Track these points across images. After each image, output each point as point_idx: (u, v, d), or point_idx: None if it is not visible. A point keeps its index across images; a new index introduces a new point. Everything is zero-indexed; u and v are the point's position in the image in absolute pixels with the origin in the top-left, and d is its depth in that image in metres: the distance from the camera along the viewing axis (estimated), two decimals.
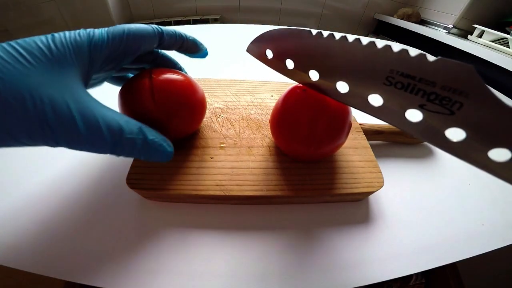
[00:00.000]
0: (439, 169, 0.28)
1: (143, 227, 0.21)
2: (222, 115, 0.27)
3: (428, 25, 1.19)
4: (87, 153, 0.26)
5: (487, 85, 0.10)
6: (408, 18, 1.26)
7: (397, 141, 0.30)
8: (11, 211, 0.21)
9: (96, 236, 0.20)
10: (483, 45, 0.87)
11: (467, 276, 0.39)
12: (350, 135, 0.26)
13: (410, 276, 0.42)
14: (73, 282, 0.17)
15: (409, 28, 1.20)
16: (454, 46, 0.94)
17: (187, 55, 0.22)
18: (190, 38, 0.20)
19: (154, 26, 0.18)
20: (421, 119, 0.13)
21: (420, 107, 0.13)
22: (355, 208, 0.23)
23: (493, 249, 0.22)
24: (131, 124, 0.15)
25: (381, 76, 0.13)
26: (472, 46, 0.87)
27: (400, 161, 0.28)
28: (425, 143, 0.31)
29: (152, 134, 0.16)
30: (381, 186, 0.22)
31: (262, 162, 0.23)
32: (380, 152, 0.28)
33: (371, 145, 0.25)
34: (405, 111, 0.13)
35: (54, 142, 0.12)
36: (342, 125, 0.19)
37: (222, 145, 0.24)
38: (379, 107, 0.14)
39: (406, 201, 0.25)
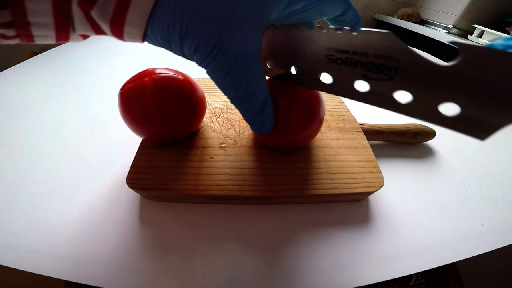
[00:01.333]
0: (439, 169, 0.28)
1: (143, 227, 0.21)
2: (222, 115, 0.27)
3: (428, 25, 1.19)
4: (87, 153, 0.26)
5: (410, 47, 0.12)
6: (408, 18, 1.26)
7: (397, 141, 0.30)
8: (11, 211, 0.21)
9: (96, 236, 0.20)
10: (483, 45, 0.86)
11: (467, 276, 0.39)
12: (350, 135, 0.26)
13: (410, 276, 0.42)
14: (73, 282, 0.17)
15: (409, 28, 1.20)
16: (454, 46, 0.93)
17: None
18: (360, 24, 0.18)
19: None
20: (369, 89, 0.14)
21: (364, 78, 0.14)
22: (355, 208, 0.23)
23: (493, 249, 0.22)
24: (265, 91, 0.16)
25: (323, 55, 0.15)
26: None
27: (400, 161, 0.28)
28: (425, 143, 0.31)
29: (270, 107, 0.17)
30: (381, 186, 0.22)
31: (262, 162, 0.23)
32: (380, 152, 0.28)
33: (371, 145, 0.25)
34: (353, 83, 0.15)
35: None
36: (315, 111, 0.20)
37: (222, 145, 0.24)
38: (331, 84, 0.16)
39: (406, 201, 0.25)
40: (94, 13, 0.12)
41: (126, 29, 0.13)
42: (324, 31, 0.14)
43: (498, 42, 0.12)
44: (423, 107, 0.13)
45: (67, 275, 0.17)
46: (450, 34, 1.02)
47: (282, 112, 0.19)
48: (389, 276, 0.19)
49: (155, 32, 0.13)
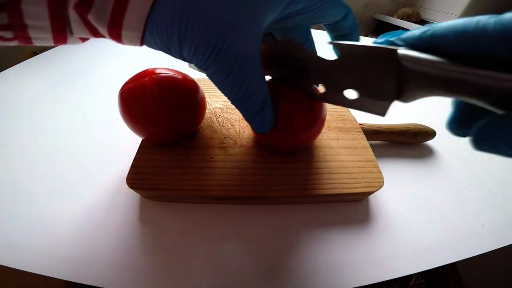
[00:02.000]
0: (439, 169, 0.28)
1: (143, 227, 0.21)
2: (222, 115, 0.27)
3: None
4: (87, 153, 0.26)
5: (305, 50, 0.16)
6: (408, 18, 1.26)
7: (397, 141, 0.30)
8: (11, 211, 0.21)
9: (96, 236, 0.20)
10: None
11: (467, 276, 0.39)
12: (350, 135, 0.26)
13: (410, 276, 0.42)
14: (73, 282, 0.17)
15: (409, 28, 1.19)
16: None
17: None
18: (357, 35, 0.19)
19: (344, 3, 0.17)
20: (300, 83, 0.18)
21: (298, 77, 0.18)
22: (355, 208, 0.23)
23: (493, 249, 0.22)
24: (265, 89, 0.16)
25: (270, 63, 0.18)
26: None
27: (400, 161, 0.28)
28: (425, 143, 0.31)
29: (269, 107, 0.17)
30: (381, 186, 0.22)
31: (262, 162, 0.23)
32: (380, 152, 0.28)
33: (371, 145, 0.25)
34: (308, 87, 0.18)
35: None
36: (317, 113, 0.20)
37: (222, 145, 0.24)
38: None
39: (406, 201, 0.25)
40: (90, 17, 0.12)
41: (124, 33, 0.13)
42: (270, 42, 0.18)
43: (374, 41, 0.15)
44: (334, 95, 0.16)
45: (67, 275, 0.17)
46: None
47: (284, 114, 0.19)
48: (389, 276, 0.19)
49: (154, 36, 0.13)
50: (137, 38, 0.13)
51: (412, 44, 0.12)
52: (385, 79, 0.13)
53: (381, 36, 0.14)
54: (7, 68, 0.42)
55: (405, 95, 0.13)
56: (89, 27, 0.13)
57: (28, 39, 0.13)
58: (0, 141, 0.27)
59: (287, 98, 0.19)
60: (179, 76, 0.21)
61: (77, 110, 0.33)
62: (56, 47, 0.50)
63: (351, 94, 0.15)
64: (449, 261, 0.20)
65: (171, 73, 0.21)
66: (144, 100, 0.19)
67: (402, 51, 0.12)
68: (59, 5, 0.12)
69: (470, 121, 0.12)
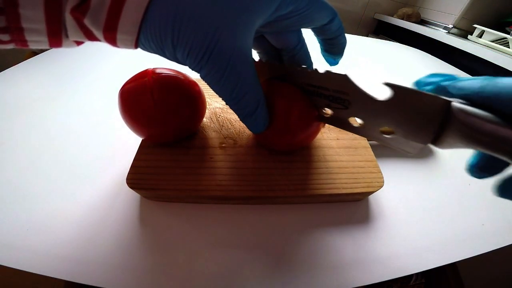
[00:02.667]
0: (439, 169, 0.28)
1: (143, 227, 0.21)
2: (222, 115, 0.28)
3: (428, 25, 1.19)
4: (87, 153, 0.26)
5: (359, 86, 0.15)
6: (408, 18, 1.26)
7: None
8: (11, 211, 0.21)
9: (96, 236, 0.20)
10: (483, 45, 0.87)
11: (467, 276, 0.39)
12: (350, 135, 0.26)
13: (410, 276, 0.42)
14: (73, 282, 0.17)
15: (409, 28, 1.20)
16: (454, 46, 0.93)
17: (324, 53, 0.21)
18: (344, 37, 0.19)
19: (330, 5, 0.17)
20: (332, 114, 0.19)
21: (328, 106, 0.18)
22: (355, 208, 0.23)
23: (493, 249, 0.22)
24: (259, 91, 0.16)
25: (300, 87, 0.19)
26: (472, 46, 0.87)
27: (400, 161, 0.28)
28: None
29: (263, 108, 0.17)
30: (381, 186, 0.22)
31: (262, 162, 0.23)
32: (380, 152, 0.28)
33: (371, 145, 0.25)
34: (322, 108, 0.19)
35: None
36: (314, 113, 0.20)
37: (222, 145, 0.24)
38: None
39: (406, 201, 0.25)
40: (86, 21, 0.12)
41: (119, 36, 0.13)
42: (299, 68, 0.18)
43: (421, 79, 0.15)
44: (369, 130, 0.17)
45: (67, 275, 0.17)
46: (450, 34, 1.02)
47: (280, 113, 0.19)
48: (389, 276, 0.19)
49: (148, 39, 0.13)
50: (132, 41, 0.13)
51: (468, 97, 0.12)
52: (429, 124, 0.13)
53: (431, 75, 0.14)
54: (7, 68, 0.42)
55: (443, 142, 0.13)
56: (84, 30, 0.13)
57: (24, 42, 0.13)
58: (0, 140, 0.27)
59: (284, 97, 0.19)
60: (179, 76, 0.21)
61: (77, 110, 0.33)
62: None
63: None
64: (449, 261, 0.20)
65: (171, 73, 0.21)
66: (144, 100, 0.19)
67: (457, 104, 0.12)
68: (55, 10, 0.12)
69: (492, 168, 0.14)
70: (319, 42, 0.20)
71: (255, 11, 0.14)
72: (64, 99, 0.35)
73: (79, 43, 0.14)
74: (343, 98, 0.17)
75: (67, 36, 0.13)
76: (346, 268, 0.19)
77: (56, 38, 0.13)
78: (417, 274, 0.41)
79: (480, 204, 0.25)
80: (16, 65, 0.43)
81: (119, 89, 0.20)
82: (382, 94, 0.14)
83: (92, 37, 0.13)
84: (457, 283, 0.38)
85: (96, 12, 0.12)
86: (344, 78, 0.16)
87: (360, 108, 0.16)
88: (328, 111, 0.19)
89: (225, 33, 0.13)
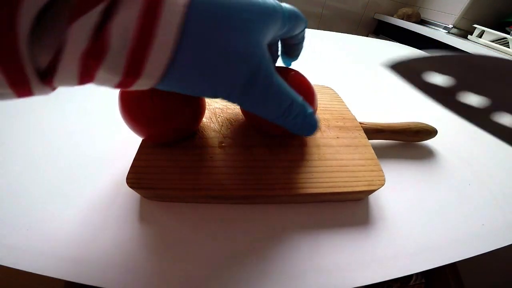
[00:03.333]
0: (439, 169, 0.28)
1: (143, 227, 0.21)
2: (221, 115, 0.28)
3: (428, 25, 1.19)
4: (87, 153, 0.26)
5: None
6: (408, 18, 1.26)
7: (397, 140, 0.30)
8: (11, 211, 0.21)
9: (96, 236, 0.20)
10: (483, 45, 0.87)
11: (467, 276, 0.39)
12: (350, 134, 0.26)
13: (410, 276, 0.42)
14: (73, 282, 0.17)
15: (409, 28, 1.20)
16: (454, 46, 0.94)
17: (284, 55, 0.22)
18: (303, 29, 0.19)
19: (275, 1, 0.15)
20: None
21: None
22: (355, 208, 0.23)
23: (493, 249, 0.22)
24: (297, 96, 0.16)
25: None
26: (472, 46, 0.87)
27: (401, 161, 0.28)
28: (426, 143, 0.31)
29: (309, 108, 0.17)
30: (382, 184, 0.22)
31: (261, 161, 0.23)
32: (381, 151, 0.28)
33: (372, 144, 0.25)
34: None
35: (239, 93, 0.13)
36: (307, 95, 0.21)
37: (221, 144, 0.24)
38: None
39: (406, 201, 0.25)
40: (102, 68, 0.10)
41: (139, 82, 0.11)
42: None
43: None
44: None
45: (67, 275, 0.17)
46: (450, 34, 1.02)
47: None
48: (389, 276, 0.19)
49: (173, 82, 0.12)
50: (151, 86, 0.12)
51: None
52: None
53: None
54: None
55: None
56: (83, 74, 0.10)
57: None
58: (0, 140, 0.27)
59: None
60: None
61: (76, 109, 0.33)
62: None
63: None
64: (449, 261, 0.20)
65: None
66: (144, 100, 0.19)
67: None
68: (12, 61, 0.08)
69: None
70: (280, 45, 0.21)
71: (267, 34, 0.14)
72: (64, 99, 0.35)
73: (54, 88, 0.11)
74: None
75: (43, 84, 0.10)
76: (346, 268, 0.19)
77: (24, 87, 0.09)
78: (417, 274, 0.41)
79: (480, 204, 0.25)
80: None
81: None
82: None
83: (86, 81, 0.11)
84: (457, 283, 0.38)
85: (115, 58, 0.10)
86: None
87: None
88: None
89: (259, 64, 0.13)
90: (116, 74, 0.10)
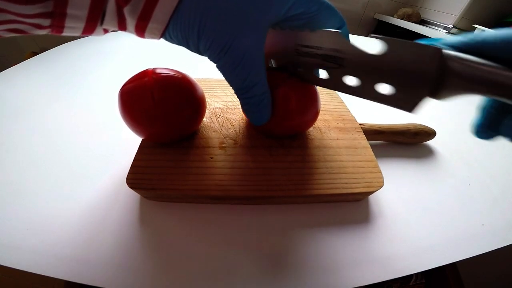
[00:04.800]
0: (439, 169, 0.28)
1: (143, 227, 0.21)
2: (222, 115, 0.28)
3: (428, 25, 1.19)
4: (87, 153, 0.26)
5: (352, 43, 0.15)
6: (408, 18, 1.26)
7: (397, 141, 0.30)
8: (11, 211, 0.21)
9: (96, 236, 0.20)
10: None
11: (467, 276, 0.39)
12: (350, 135, 0.26)
13: (410, 276, 0.42)
14: (73, 282, 0.17)
15: (409, 28, 1.20)
16: None
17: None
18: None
19: None
20: (328, 75, 0.18)
21: (322, 66, 0.18)
22: (355, 208, 0.23)
23: (493, 249, 0.22)
24: (265, 85, 0.18)
25: (293, 49, 0.19)
26: None
27: (400, 161, 0.28)
28: (425, 143, 0.31)
29: (269, 101, 0.19)
30: (381, 186, 0.22)
31: (262, 162, 0.23)
32: (380, 152, 0.28)
33: (371, 145, 0.25)
34: (317, 71, 0.20)
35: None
36: (310, 98, 0.22)
37: (222, 145, 0.24)
38: (303, 72, 0.20)
39: (406, 201, 0.25)
40: (126, 9, 0.13)
41: (150, 25, 0.14)
42: (292, 31, 0.18)
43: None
44: (365, 88, 0.17)
45: (67, 275, 0.17)
46: (450, 34, 1.02)
47: (280, 97, 0.20)
48: (389, 276, 0.19)
49: (176, 29, 0.14)
50: (160, 30, 0.14)
51: (457, 47, 0.13)
52: (424, 77, 0.13)
53: (419, 40, 0.15)
54: (7, 68, 0.42)
55: (442, 93, 0.13)
56: (120, 18, 0.14)
57: (61, 28, 0.13)
58: (0, 140, 0.27)
59: (283, 83, 0.21)
60: (180, 76, 0.21)
61: (77, 110, 0.33)
62: (57, 47, 0.50)
63: (384, 88, 0.16)
64: (449, 261, 0.20)
65: (171, 73, 0.21)
66: (144, 100, 0.19)
67: (448, 51, 0.12)
68: None
69: (497, 124, 0.14)
70: None
71: (271, 9, 0.15)
72: (64, 99, 0.35)
73: (106, 31, 0.15)
74: (337, 56, 0.17)
75: (101, 24, 0.14)
76: (346, 268, 0.19)
77: (92, 24, 0.14)
78: (417, 274, 0.41)
79: (480, 204, 0.25)
80: (16, 65, 0.43)
81: (119, 89, 0.20)
82: (375, 48, 0.15)
83: (123, 26, 0.15)
84: (457, 283, 0.38)
85: (137, 1, 0.13)
86: (336, 35, 0.16)
87: (354, 65, 0.16)
88: (323, 72, 0.19)
89: (244, 30, 0.14)
90: (135, 15, 0.13)
